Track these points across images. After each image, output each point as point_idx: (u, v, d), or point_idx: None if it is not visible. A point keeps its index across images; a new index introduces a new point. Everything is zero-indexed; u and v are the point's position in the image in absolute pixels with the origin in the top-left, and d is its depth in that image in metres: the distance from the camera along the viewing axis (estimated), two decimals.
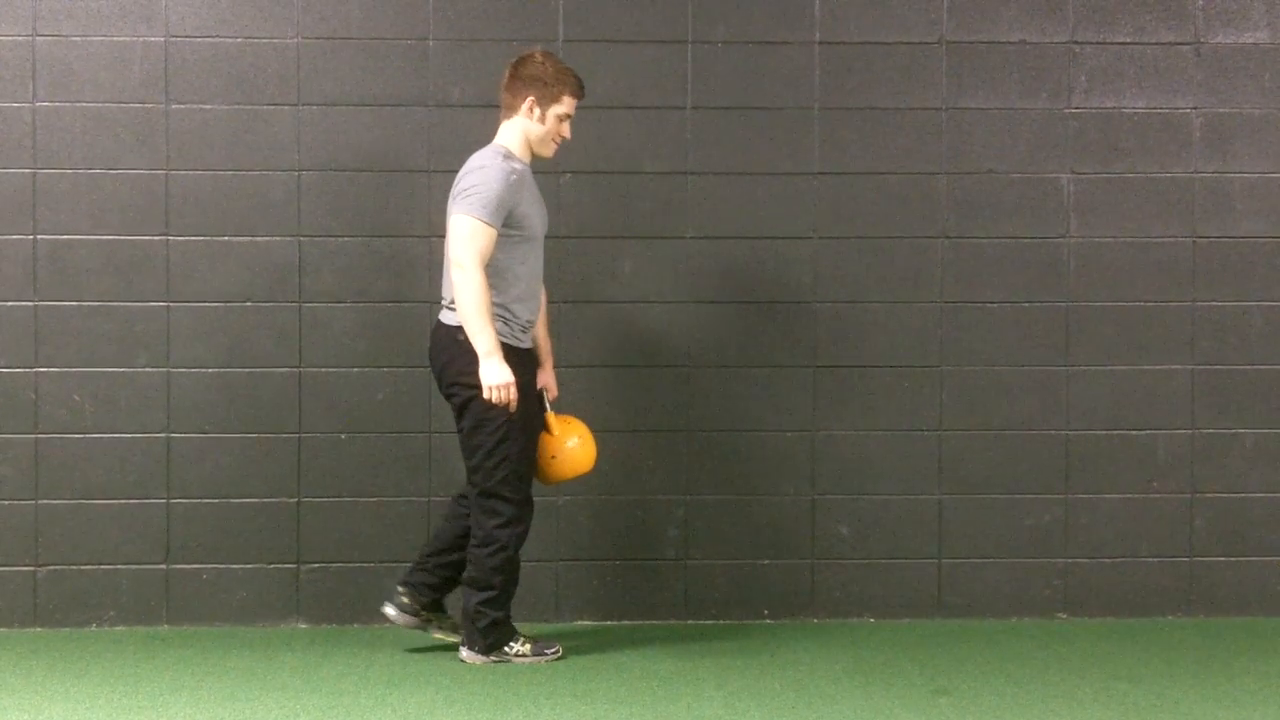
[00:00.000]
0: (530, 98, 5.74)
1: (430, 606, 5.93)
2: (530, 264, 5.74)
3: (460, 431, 5.72)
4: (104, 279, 6.30)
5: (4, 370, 6.28)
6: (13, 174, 6.29)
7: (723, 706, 5.19)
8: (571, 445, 5.83)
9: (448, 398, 5.75)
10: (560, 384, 6.09)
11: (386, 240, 6.37)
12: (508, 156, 5.70)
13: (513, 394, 5.54)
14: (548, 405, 5.89)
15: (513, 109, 5.78)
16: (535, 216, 5.75)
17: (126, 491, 6.31)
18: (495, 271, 5.62)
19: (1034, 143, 6.51)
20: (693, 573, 6.48)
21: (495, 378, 5.52)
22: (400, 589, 5.92)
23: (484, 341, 5.52)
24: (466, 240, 5.54)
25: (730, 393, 6.46)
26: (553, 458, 5.80)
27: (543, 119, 5.75)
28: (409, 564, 6.04)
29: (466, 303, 5.51)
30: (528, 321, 5.75)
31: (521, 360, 5.69)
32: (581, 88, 5.82)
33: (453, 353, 5.66)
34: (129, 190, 6.31)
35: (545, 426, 5.82)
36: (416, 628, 5.93)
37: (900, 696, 5.34)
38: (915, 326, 6.49)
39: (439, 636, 5.96)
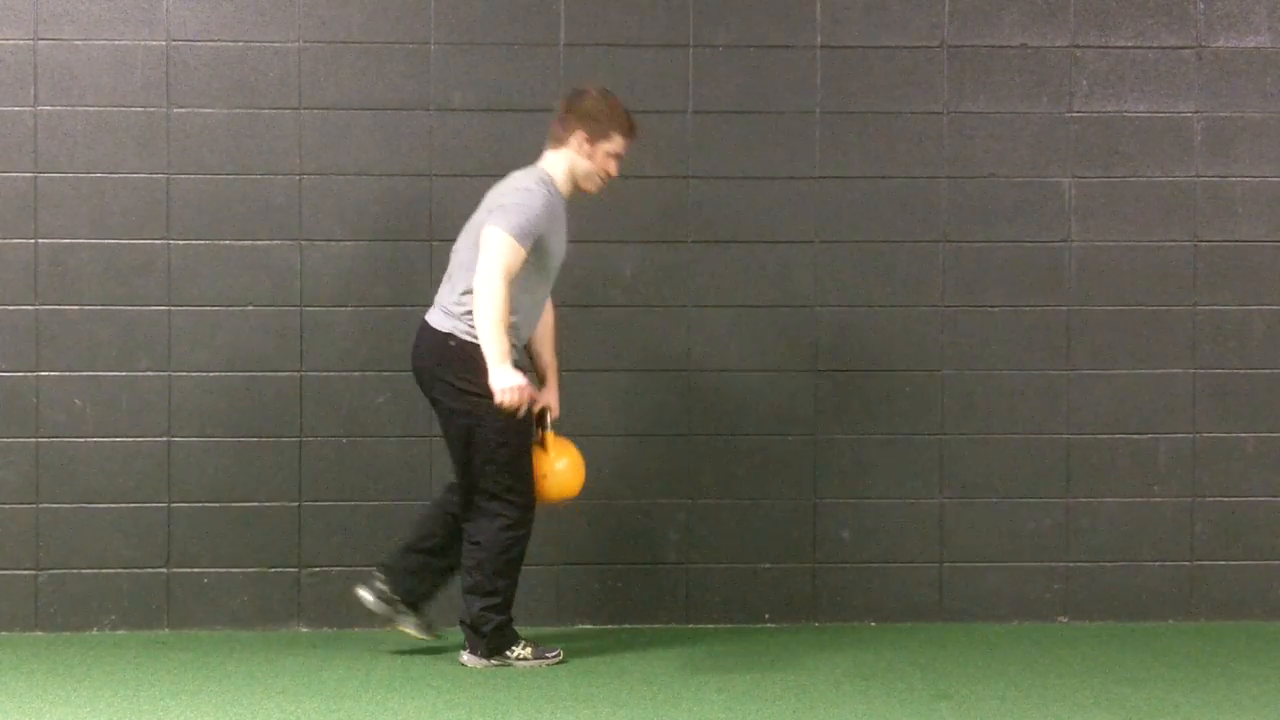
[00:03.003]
0: (581, 133, 5.73)
1: (406, 599, 5.90)
2: (538, 297, 5.75)
3: (448, 436, 5.73)
4: (105, 283, 6.30)
5: (5, 374, 6.29)
6: (14, 178, 6.29)
7: (724, 710, 5.19)
8: (561, 467, 5.83)
9: (434, 401, 5.76)
10: (561, 387, 6.07)
11: (387, 244, 6.37)
12: (549, 186, 5.70)
13: (524, 395, 5.55)
14: (548, 424, 5.90)
15: (561, 141, 5.77)
16: (557, 252, 5.75)
17: (127, 495, 6.31)
18: (517, 287, 5.64)
19: (1035, 146, 6.51)
20: (694, 576, 6.48)
21: (507, 381, 5.53)
22: (378, 573, 5.90)
23: (496, 351, 5.53)
24: (497, 254, 5.55)
25: (731, 396, 6.46)
26: (544, 477, 5.80)
27: (591, 155, 5.75)
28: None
29: (486, 312, 5.52)
30: (518, 340, 5.75)
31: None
32: (634, 129, 5.80)
33: (443, 358, 5.68)
34: (130, 194, 6.31)
35: (541, 443, 5.83)
36: (385, 616, 5.90)
37: (901, 700, 5.34)
38: (916, 330, 6.49)
39: (405, 630, 5.92)
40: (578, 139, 5.74)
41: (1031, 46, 6.51)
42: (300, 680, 5.59)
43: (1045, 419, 6.52)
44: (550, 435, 5.86)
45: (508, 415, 5.58)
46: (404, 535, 5.99)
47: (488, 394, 5.59)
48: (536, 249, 5.63)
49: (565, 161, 5.77)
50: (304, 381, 6.36)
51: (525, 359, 5.87)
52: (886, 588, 6.51)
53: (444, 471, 6.33)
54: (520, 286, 5.64)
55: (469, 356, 5.62)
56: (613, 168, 5.80)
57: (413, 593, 5.91)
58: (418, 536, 5.93)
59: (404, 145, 6.37)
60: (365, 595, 5.89)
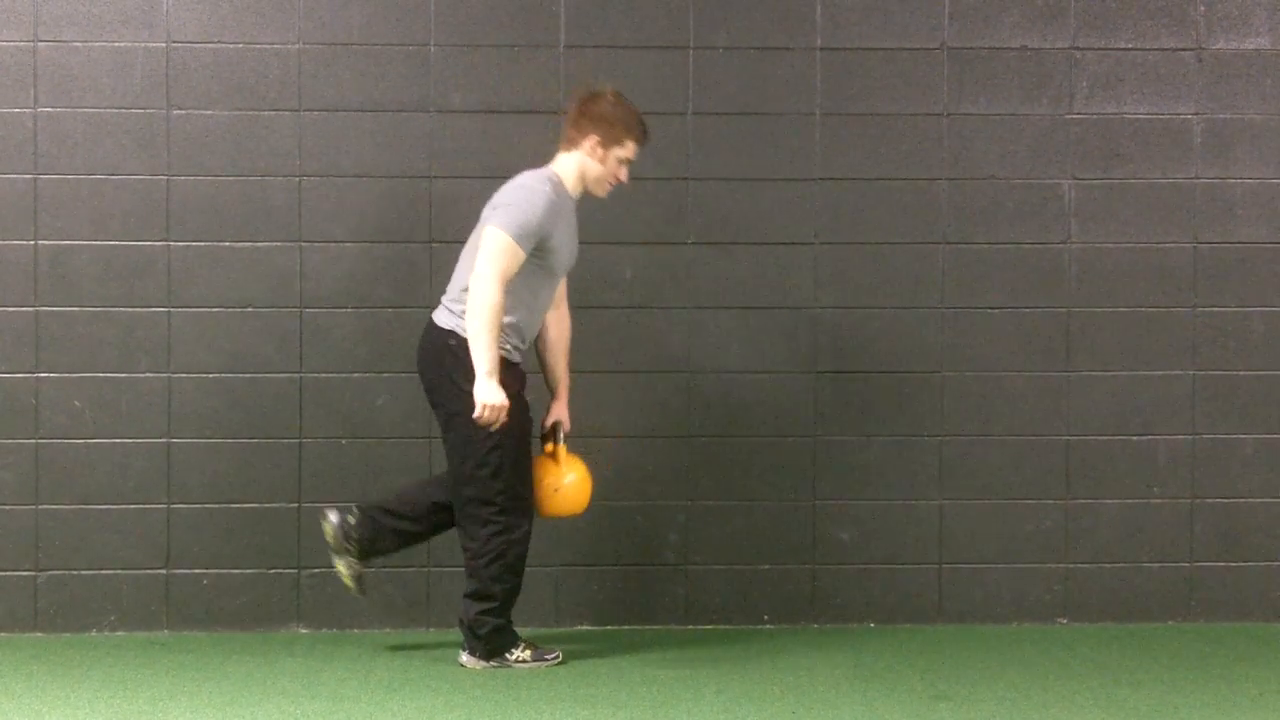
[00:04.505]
0: (595, 137, 5.71)
1: (362, 548, 5.85)
2: (542, 297, 5.72)
3: (446, 438, 5.72)
4: (105, 284, 6.30)
5: (5, 375, 6.29)
6: (14, 179, 6.29)
7: (723, 712, 5.19)
8: (569, 481, 5.83)
9: (434, 404, 5.75)
10: (571, 401, 6.06)
11: (387, 246, 6.38)
12: (556, 186, 5.68)
13: (502, 417, 5.53)
14: (560, 438, 5.89)
15: (574, 143, 5.75)
16: (564, 252, 5.73)
17: (127, 497, 6.31)
18: (507, 291, 5.60)
19: (1035, 148, 6.51)
20: (693, 578, 6.48)
21: (490, 397, 5.49)
22: (356, 509, 5.86)
23: (484, 360, 5.50)
24: (494, 255, 5.53)
25: (731, 398, 6.46)
26: (555, 490, 5.82)
27: (603, 159, 5.73)
28: (390, 528, 5.91)
29: (477, 317, 5.50)
30: (521, 342, 5.74)
31: (512, 372, 5.67)
32: (647, 134, 5.79)
33: (445, 360, 5.67)
34: (130, 196, 6.32)
35: (553, 457, 5.84)
36: (335, 548, 5.85)
37: (900, 702, 5.34)
38: (916, 332, 6.49)
39: (339, 569, 5.88)
40: (590, 142, 5.71)
41: (1031, 48, 6.51)
42: (300, 681, 5.59)
43: (1045, 420, 6.52)
44: (563, 450, 5.86)
45: (484, 426, 5.56)
46: (392, 494, 5.97)
47: None
48: (540, 249, 5.61)
49: (576, 164, 5.75)
50: (303, 383, 6.37)
51: (530, 360, 5.86)
52: (886, 589, 6.51)
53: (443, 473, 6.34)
54: (523, 284, 5.63)
55: (468, 357, 5.61)
56: (623, 174, 5.78)
57: (373, 545, 5.86)
58: (400, 501, 5.90)
59: (404, 147, 6.38)
60: (332, 517, 5.82)
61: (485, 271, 5.52)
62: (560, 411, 5.94)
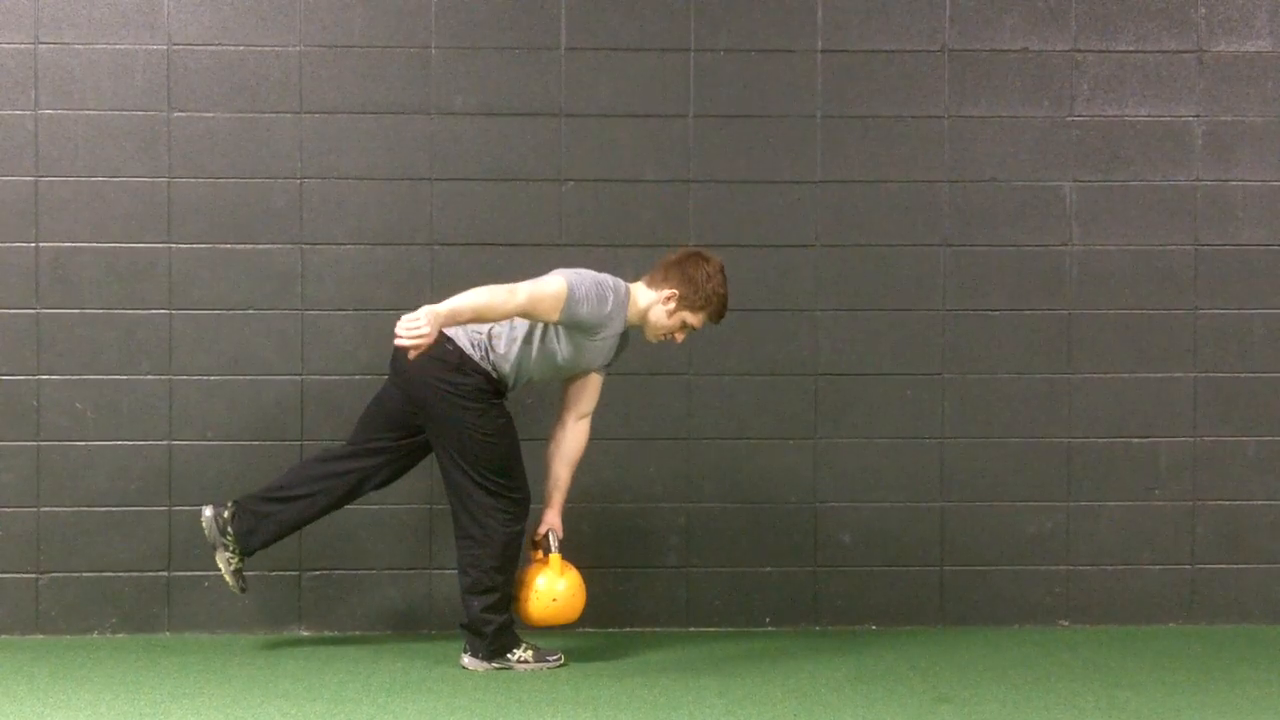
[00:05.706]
0: (675, 291, 5.73)
1: (242, 543, 5.83)
2: (542, 365, 5.70)
3: (438, 440, 5.69)
4: (106, 286, 6.30)
5: (6, 377, 6.29)
6: (15, 181, 6.29)
7: (724, 713, 5.19)
8: (563, 588, 5.82)
9: (422, 403, 5.70)
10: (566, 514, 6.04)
11: (388, 248, 6.38)
12: (620, 303, 5.68)
13: (420, 340, 5.34)
14: (554, 547, 5.87)
15: (655, 284, 5.77)
16: (588, 355, 5.73)
17: (128, 499, 6.31)
18: (525, 338, 5.65)
19: (1036, 151, 6.51)
20: (694, 580, 6.48)
21: (426, 320, 5.33)
22: (231, 505, 5.83)
23: (449, 305, 5.40)
24: (540, 291, 5.52)
25: (732, 400, 6.46)
26: (553, 600, 5.80)
27: (670, 314, 5.75)
28: (259, 503, 5.86)
29: (478, 297, 5.45)
30: (511, 380, 5.74)
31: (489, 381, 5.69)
32: (722, 317, 5.82)
33: (436, 359, 5.62)
34: (131, 198, 6.32)
35: (547, 564, 5.83)
36: (211, 543, 5.81)
37: (902, 704, 5.34)
38: (917, 334, 6.49)
39: (221, 564, 5.83)
40: (669, 293, 5.74)
41: (1032, 50, 6.52)
42: (301, 684, 5.59)
43: (1046, 422, 6.52)
44: (557, 558, 5.85)
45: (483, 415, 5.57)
46: (269, 482, 5.93)
47: (474, 400, 5.62)
48: (570, 335, 5.64)
49: (647, 301, 5.77)
50: (305, 385, 6.37)
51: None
52: (888, 591, 6.51)
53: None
54: (535, 344, 5.65)
55: (461, 364, 5.63)
56: (680, 336, 5.82)
57: (251, 537, 5.84)
58: (278, 486, 5.88)
59: (405, 149, 6.38)
60: (206, 512, 5.81)
61: (521, 289, 5.50)
62: (553, 520, 5.90)
